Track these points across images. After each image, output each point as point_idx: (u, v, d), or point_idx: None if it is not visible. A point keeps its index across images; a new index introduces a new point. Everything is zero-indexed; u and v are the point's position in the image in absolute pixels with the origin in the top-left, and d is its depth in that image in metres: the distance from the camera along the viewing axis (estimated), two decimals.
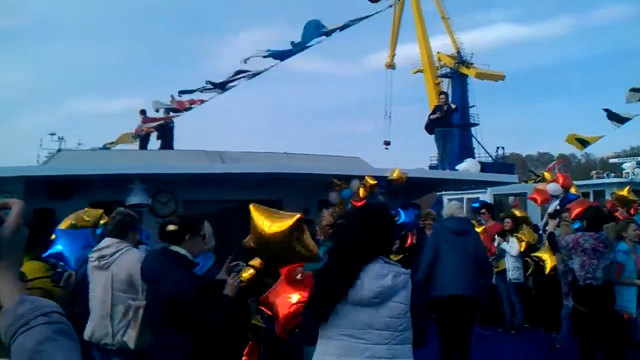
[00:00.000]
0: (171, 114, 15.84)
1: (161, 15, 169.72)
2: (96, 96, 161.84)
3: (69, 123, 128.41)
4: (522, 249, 10.26)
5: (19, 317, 1.41)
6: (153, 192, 10.45)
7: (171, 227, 4.42)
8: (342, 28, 12.95)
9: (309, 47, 13.06)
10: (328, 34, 12.83)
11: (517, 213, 11.68)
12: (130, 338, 4.87)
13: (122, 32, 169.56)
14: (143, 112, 17.43)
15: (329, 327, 3.24)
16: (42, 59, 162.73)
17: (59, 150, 16.01)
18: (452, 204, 8.79)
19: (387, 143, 50.36)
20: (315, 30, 12.77)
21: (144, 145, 16.80)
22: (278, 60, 13.04)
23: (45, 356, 1.34)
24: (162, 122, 15.82)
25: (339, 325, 3.23)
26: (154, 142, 17.10)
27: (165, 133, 16.73)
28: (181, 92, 14.99)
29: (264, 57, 12.83)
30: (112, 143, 18.11)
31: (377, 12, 18.61)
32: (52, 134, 25.87)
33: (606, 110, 14.16)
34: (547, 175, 11.80)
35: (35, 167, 12.23)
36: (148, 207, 10.40)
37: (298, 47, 13.04)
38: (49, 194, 9.68)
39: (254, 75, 13.57)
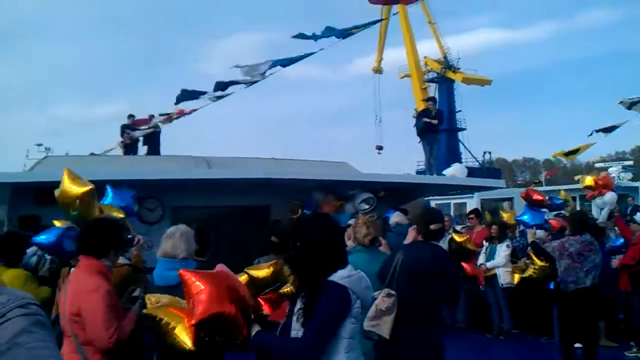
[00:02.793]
0: (158, 121, 15.74)
1: (151, 17, 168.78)
2: (84, 101, 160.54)
3: (55, 129, 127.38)
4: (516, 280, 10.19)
5: None
6: (140, 199, 10.38)
7: (435, 226, 5.03)
8: (345, 35, 12.82)
9: (312, 53, 12.96)
10: (339, 35, 12.71)
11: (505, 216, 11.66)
12: None
13: (110, 35, 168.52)
14: (131, 117, 17.35)
15: (347, 338, 3.23)
16: (25, 61, 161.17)
17: (46, 156, 15.86)
18: (396, 214, 9.76)
19: (380, 148, 49.94)
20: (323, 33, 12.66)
21: (130, 151, 16.70)
22: (279, 67, 12.87)
23: (22, 348, 1.31)
24: (149, 129, 15.73)
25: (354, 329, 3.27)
26: (141, 148, 17.01)
27: (152, 139, 16.64)
28: (182, 98, 14.75)
29: (264, 72, 12.65)
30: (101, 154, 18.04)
31: (381, 20, 18.62)
32: (39, 145, 25.78)
33: (598, 130, 14.36)
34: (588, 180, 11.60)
35: (21, 173, 12.15)
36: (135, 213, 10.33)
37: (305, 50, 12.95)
38: (36, 200, 9.59)
39: (252, 83, 13.42)
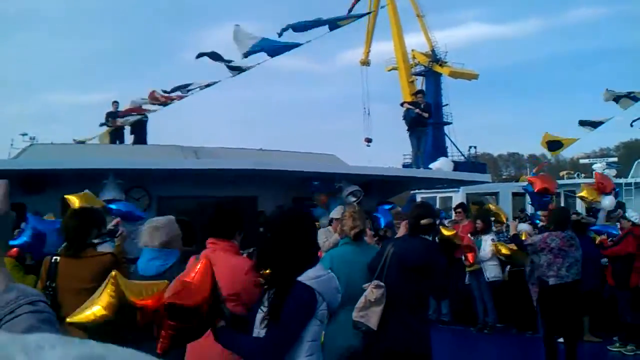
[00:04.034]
0: (147, 107, 15.53)
1: (137, 5, 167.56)
2: (69, 89, 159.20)
3: (41, 116, 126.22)
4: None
5: (5, 305, 1.38)
6: (126, 188, 10.34)
7: (426, 221, 5.12)
8: (332, 27, 12.64)
9: (301, 44, 12.81)
10: (326, 24, 12.49)
11: (492, 207, 11.70)
12: None
13: (96, 23, 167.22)
14: (116, 103, 17.24)
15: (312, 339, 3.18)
16: (9, 50, 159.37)
17: (31, 144, 15.72)
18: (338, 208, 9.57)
19: (369, 140, 49.95)
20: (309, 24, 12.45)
21: (116, 140, 16.59)
22: (269, 57, 12.64)
23: None
24: (137, 115, 15.54)
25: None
26: (127, 137, 16.91)
27: (138, 128, 16.52)
28: (171, 90, 14.58)
29: (255, 51, 12.33)
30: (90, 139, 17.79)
31: (368, 13, 18.42)
32: (24, 134, 25.46)
33: (581, 122, 14.38)
34: (587, 192, 11.60)
35: (6, 160, 12.02)
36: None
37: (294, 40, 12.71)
38: (21, 188, 9.52)
39: (242, 71, 13.26)
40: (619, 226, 10.08)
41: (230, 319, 3.40)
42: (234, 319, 3.48)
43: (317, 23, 12.57)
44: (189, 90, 14.04)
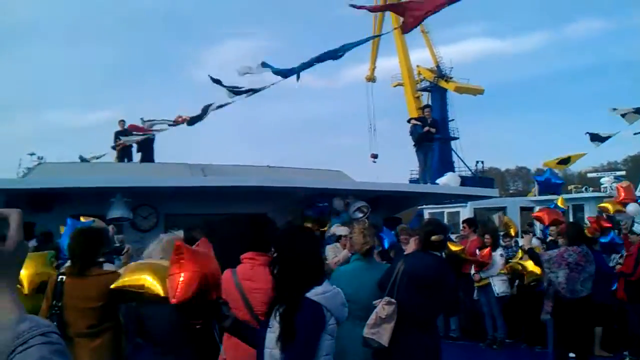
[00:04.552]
0: (155, 127, 15.53)
1: (141, 23, 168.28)
2: (75, 108, 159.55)
3: (46, 135, 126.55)
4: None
5: (19, 336, 1.37)
6: (134, 206, 10.38)
7: (437, 238, 5.12)
8: (341, 52, 12.63)
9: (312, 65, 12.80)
10: (335, 58, 12.50)
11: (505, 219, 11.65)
12: None
13: (100, 40, 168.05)
14: (122, 122, 17.31)
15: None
16: (15, 66, 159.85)
17: (40, 163, 15.83)
18: (335, 226, 9.79)
19: (375, 156, 50.02)
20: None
21: (124, 158, 16.66)
22: (281, 78, 12.64)
23: None
24: (144, 135, 15.56)
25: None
26: (135, 155, 16.96)
27: (146, 145, 16.58)
28: (192, 120, 14.56)
29: (275, 73, 12.32)
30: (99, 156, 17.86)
31: (381, 35, 18.30)
32: (32, 154, 25.69)
33: (589, 133, 14.43)
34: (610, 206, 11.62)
35: (16, 180, 12.11)
36: (129, 220, 10.32)
37: (304, 65, 12.67)
38: (30, 207, 9.56)
39: (255, 91, 13.26)
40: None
41: (234, 320, 3.46)
42: (236, 323, 3.52)
43: (327, 56, 12.55)
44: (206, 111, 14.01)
